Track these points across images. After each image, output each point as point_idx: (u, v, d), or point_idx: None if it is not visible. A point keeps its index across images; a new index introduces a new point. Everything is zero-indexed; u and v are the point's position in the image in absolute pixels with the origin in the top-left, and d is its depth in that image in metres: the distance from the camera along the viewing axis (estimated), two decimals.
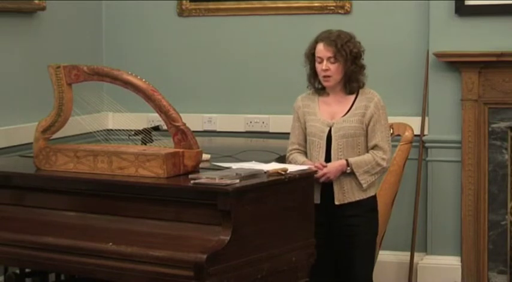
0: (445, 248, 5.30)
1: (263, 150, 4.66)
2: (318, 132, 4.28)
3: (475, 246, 5.21)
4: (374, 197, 4.35)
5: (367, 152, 4.27)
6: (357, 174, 4.21)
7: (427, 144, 5.31)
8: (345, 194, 4.24)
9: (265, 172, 3.82)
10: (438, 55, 5.19)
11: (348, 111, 4.29)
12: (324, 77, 4.26)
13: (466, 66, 5.16)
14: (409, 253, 5.32)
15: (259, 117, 5.62)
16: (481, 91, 5.17)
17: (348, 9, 5.45)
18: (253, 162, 4.10)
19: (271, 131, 5.59)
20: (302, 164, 4.23)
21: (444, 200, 5.29)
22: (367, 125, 4.27)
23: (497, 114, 5.17)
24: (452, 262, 5.28)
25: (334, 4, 5.47)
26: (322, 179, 4.19)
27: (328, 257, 4.29)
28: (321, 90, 4.35)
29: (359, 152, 4.26)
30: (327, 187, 4.25)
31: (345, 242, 4.28)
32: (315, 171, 4.10)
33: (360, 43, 4.31)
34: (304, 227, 3.93)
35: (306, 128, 4.34)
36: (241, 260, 3.58)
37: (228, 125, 5.67)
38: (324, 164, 4.21)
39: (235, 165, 3.99)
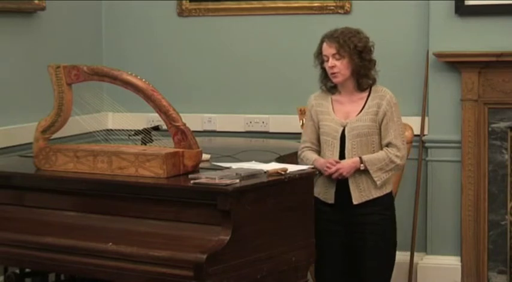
0: (445, 248, 5.30)
1: (263, 150, 4.66)
2: (332, 132, 4.27)
3: (475, 246, 5.21)
4: (390, 194, 4.34)
5: (381, 150, 4.27)
6: (371, 171, 4.20)
7: (427, 144, 5.31)
8: (361, 193, 4.23)
9: (265, 172, 3.82)
10: (438, 55, 5.19)
11: (361, 110, 4.28)
12: (332, 74, 4.25)
13: (466, 66, 5.16)
14: (409, 253, 5.32)
15: (259, 117, 5.62)
16: (481, 91, 5.17)
17: (348, 9, 5.45)
18: (253, 162, 4.10)
19: (271, 131, 5.59)
20: (314, 161, 4.23)
21: (444, 200, 5.29)
22: (380, 123, 4.26)
23: (497, 114, 5.17)
24: (452, 262, 5.28)
25: (334, 4, 5.47)
26: (334, 176, 4.19)
27: (343, 255, 4.29)
28: (333, 89, 4.35)
29: (373, 150, 4.25)
30: (342, 187, 4.24)
31: (362, 240, 4.26)
32: (315, 171, 4.09)
33: (367, 38, 4.30)
34: (304, 227, 3.93)
35: (319, 127, 4.34)
36: (241, 260, 3.58)
37: (228, 125, 5.67)
38: (337, 160, 4.21)
39: (235, 165, 3.99)
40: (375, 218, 4.26)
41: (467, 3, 5.15)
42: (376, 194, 4.25)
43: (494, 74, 5.15)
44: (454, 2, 5.16)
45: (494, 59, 5.08)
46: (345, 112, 4.30)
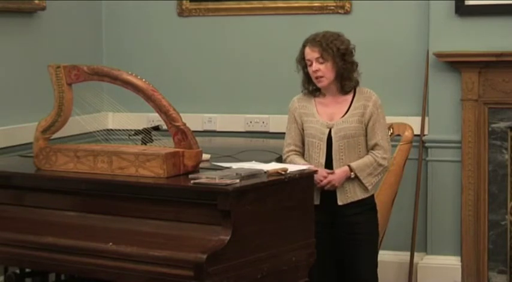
0: (445, 248, 5.30)
1: (263, 150, 4.66)
2: (318, 134, 4.29)
3: (475, 246, 5.21)
4: (373, 196, 4.39)
5: (367, 151, 4.29)
6: (361, 178, 4.24)
7: (427, 144, 5.31)
8: (347, 195, 4.27)
9: (265, 172, 3.82)
10: (438, 55, 5.19)
11: (347, 111, 4.30)
12: (316, 78, 4.28)
13: (466, 66, 5.16)
14: (409, 253, 5.32)
15: (259, 117, 5.62)
16: (481, 91, 5.17)
17: (348, 9, 5.45)
18: (253, 162, 4.10)
19: (271, 131, 5.59)
20: None
21: (444, 200, 5.29)
22: (367, 124, 4.29)
23: (497, 114, 5.17)
24: (452, 262, 5.28)
25: (334, 4, 5.47)
26: (327, 187, 4.22)
27: (331, 256, 4.31)
28: (315, 92, 4.37)
29: (359, 151, 4.28)
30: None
31: (349, 240, 4.30)
32: (315, 171, 4.10)
33: (348, 41, 4.32)
34: (304, 227, 3.93)
35: (303, 129, 4.35)
36: (241, 260, 3.58)
37: (228, 125, 5.67)
38: (328, 171, 4.23)
39: (235, 165, 3.99)
40: (359, 218, 4.29)
41: (467, 3, 5.15)
42: (361, 195, 4.29)
43: (494, 74, 5.15)
44: (454, 2, 5.16)
45: (494, 59, 5.08)
46: (330, 114, 4.33)
